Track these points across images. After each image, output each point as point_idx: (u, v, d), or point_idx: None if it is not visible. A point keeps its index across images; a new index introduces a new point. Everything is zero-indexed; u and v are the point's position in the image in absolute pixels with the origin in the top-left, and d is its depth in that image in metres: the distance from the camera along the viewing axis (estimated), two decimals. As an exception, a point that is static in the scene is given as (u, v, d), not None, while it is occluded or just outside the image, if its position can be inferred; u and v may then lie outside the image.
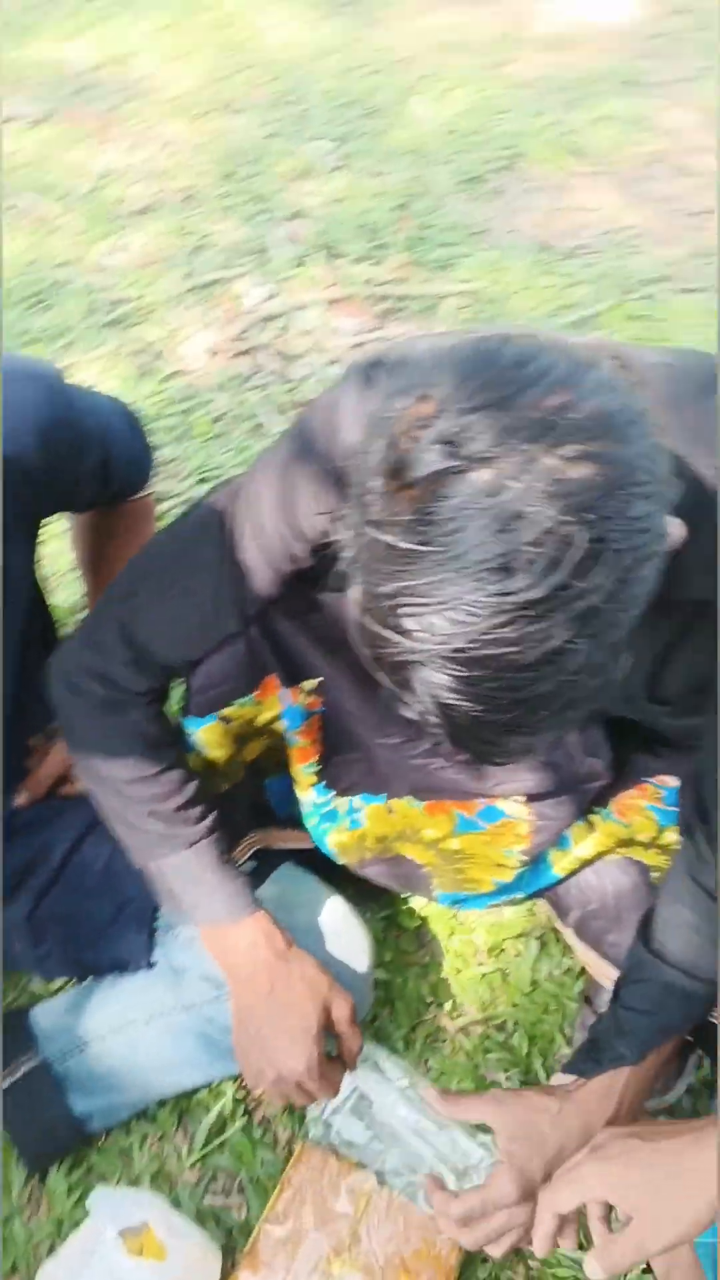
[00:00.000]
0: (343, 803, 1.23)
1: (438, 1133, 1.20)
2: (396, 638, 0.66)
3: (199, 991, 1.22)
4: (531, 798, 1.19)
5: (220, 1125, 1.25)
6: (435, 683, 0.66)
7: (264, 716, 1.20)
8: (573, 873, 1.27)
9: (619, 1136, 1.00)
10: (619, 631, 0.67)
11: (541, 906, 1.38)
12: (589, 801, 1.21)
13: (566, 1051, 1.31)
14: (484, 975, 1.38)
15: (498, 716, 0.67)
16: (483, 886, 1.27)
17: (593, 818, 1.23)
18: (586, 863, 1.26)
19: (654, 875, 1.24)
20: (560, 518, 0.62)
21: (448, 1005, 1.35)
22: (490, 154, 3.02)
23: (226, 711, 1.17)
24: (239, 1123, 1.25)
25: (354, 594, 0.71)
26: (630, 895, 1.25)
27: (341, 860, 1.29)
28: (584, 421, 0.63)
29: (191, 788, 1.13)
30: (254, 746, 1.23)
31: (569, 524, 0.62)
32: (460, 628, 0.64)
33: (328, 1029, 1.14)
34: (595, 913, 1.28)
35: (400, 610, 0.66)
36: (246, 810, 1.31)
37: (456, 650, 0.64)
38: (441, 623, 0.64)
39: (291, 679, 1.14)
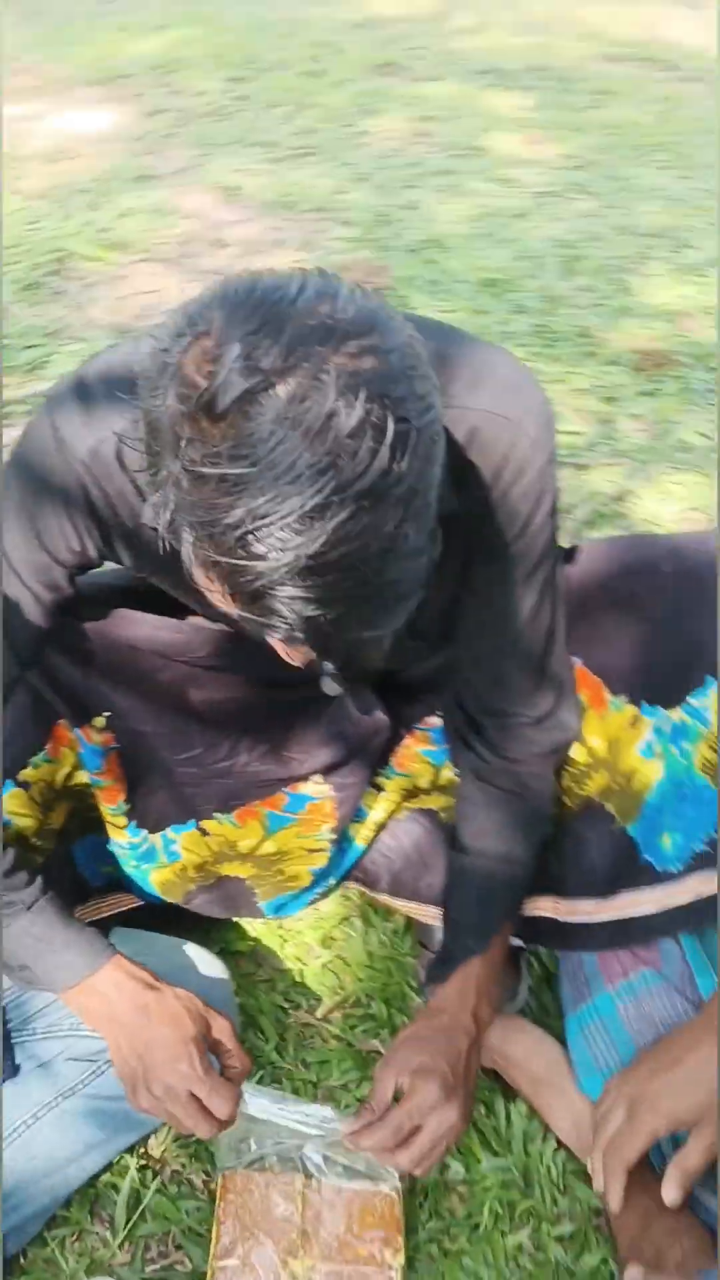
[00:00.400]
0: (157, 839, 1.27)
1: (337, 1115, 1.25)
2: (250, 564, 0.69)
3: (74, 1073, 1.21)
4: (328, 771, 1.28)
5: (135, 1197, 1.23)
6: (295, 596, 0.70)
7: (62, 773, 1.21)
8: (372, 840, 1.37)
9: (648, 1078, 1.08)
10: (430, 513, 0.74)
11: (354, 889, 1.47)
12: (375, 762, 1.32)
13: (419, 1001, 1.41)
14: (325, 965, 1.45)
15: (356, 614, 0.72)
16: (302, 880, 1.34)
17: (378, 779, 1.34)
18: (382, 826, 1.37)
19: (442, 815, 1.36)
20: (366, 408, 0.67)
21: (304, 1003, 1.41)
22: (37, 261, 3.12)
23: (25, 775, 1.17)
24: (152, 1186, 1.24)
25: (189, 549, 0.72)
26: (427, 839, 1.36)
27: (167, 898, 1.32)
28: (354, 321, 0.69)
29: (10, 854, 1.11)
30: (59, 811, 1.23)
31: (375, 413, 0.67)
32: (307, 534, 0.67)
33: (211, 1049, 1.15)
34: (402, 869, 1.38)
35: (247, 536, 0.68)
36: (62, 886, 1.30)
37: (309, 557, 0.68)
38: (288, 535, 0.67)
39: (80, 717, 1.16)
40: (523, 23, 4.60)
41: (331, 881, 1.38)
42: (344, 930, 1.49)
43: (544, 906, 1.29)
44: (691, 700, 1.18)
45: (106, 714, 1.18)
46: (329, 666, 1.11)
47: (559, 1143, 1.27)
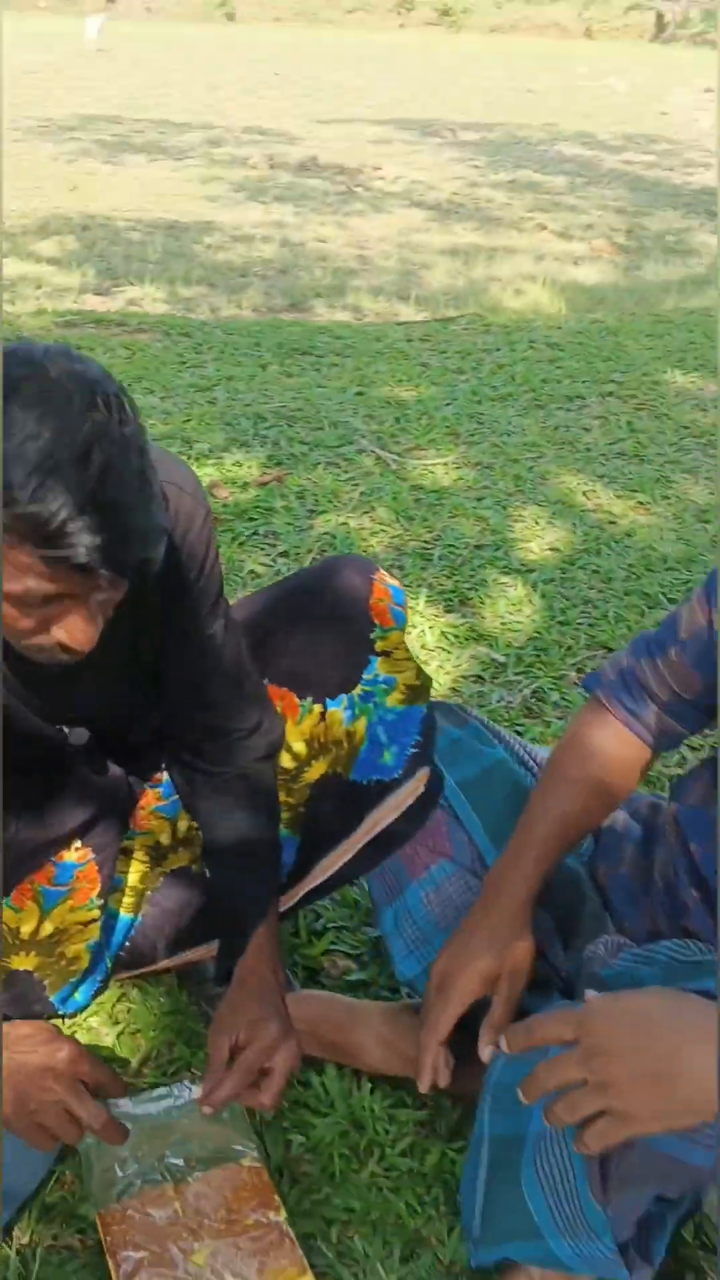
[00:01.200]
0: (-50, 940, 1.36)
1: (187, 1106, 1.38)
2: (45, 507, 0.92)
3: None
4: (84, 832, 1.44)
5: (20, 1282, 1.26)
6: (86, 527, 0.94)
7: None
8: (137, 910, 1.52)
9: (451, 956, 1.25)
10: (154, 471, 1.01)
11: (128, 977, 1.59)
12: (122, 820, 1.49)
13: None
14: (118, 1037, 1.56)
15: (133, 539, 0.97)
16: (81, 961, 1.45)
17: (125, 844, 1.50)
18: (141, 894, 1.52)
19: (194, 868, 1.53)
20: (90, 390, 0.95)
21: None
22: None
23: None
24: (34, 1270, 1.27)
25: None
26: (187, 892, 1.52)
27: (-31, 1000, 1.39)
28: (58, 351, 0.99)
29: None
30: None
31: (97, 391, 0.96)
32: (81, 476, 0.93)
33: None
34: (173, 930, 1.52)
35: (38, 490, 0.92)
36: None
37: (87, 494, 0.94)
38: (68, 481, 0.92)
39: None
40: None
41: (108, 963, 1.50)
42: (123, 1005, 1.61)
43: (318, 873, 1.50)
44: (364, 676, 1.46)
45: None
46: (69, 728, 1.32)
47: (372, 1083, 1.47)
